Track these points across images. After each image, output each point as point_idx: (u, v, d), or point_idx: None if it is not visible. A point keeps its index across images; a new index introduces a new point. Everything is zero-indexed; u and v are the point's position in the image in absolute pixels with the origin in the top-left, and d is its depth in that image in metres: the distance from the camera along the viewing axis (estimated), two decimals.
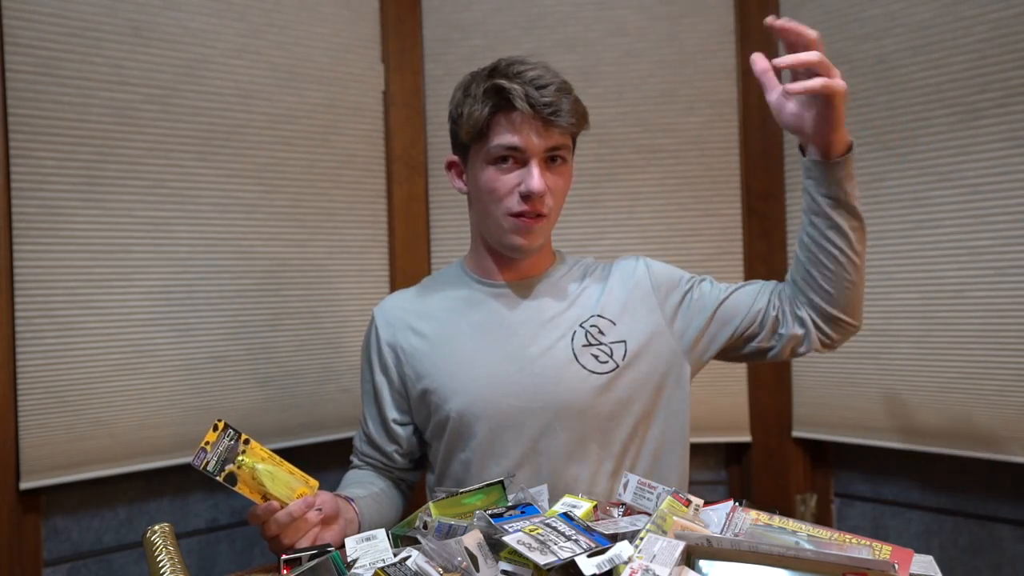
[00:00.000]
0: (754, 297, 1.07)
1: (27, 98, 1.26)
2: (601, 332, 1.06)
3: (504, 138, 0.98)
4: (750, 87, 1.64)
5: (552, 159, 1.01)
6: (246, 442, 0.85)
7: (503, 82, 0.97)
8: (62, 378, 1.29)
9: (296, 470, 0.89)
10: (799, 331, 1.04)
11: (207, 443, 0.82)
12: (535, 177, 0.98)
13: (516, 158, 0.99)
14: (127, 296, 1.35)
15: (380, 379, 1.13)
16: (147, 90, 1.37)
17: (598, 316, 1.07)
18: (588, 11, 1.65)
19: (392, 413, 1.13)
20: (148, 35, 1.37)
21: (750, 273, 1.65)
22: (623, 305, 1.08)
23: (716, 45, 1.64)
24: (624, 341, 1.06)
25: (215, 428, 0.83)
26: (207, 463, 0.81)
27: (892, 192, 1.48)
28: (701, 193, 1.65)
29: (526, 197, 0.99)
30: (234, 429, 0.84)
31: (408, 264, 1.67)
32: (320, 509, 0.89)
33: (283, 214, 1.53)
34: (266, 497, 0.85)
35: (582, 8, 1.65)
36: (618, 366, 1.04)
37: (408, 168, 1.68)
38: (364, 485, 1.10)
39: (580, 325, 1.06)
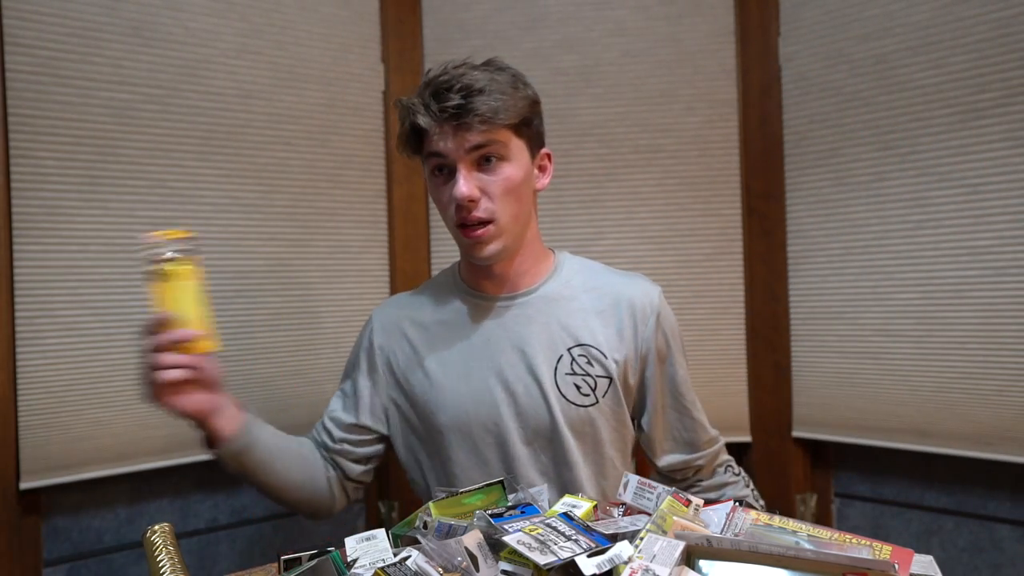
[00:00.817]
0: (668, 433, 1.11)
1: (27, 98, 1.26)
2: (589, 363, 1.04)
3: (427, 149, 0.98)
4: (750, 87, 1.64)
5: (486, 159, 0.97)
6: (193, 262, 0.80)
7: (405, 100, 0.97)
8: (62, 378, 1.29)
9: (210, 321, 0.84)
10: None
11: (167, 235, 0.77)
12: (459, 183, 0.95)
13: (446, 167, 0.97)
14: (127, 296, 1.35)
15: (364, 382, 1.12)
16: (147, 90, 1.37)
17: (590, 346, 1.04)
18: (588, 11, 1.65)
19: (365, 418, 1.12)
20: (148, 35, 1.37)
21: (750, 273, 1.65)
22: (620, 340, 1.05)
23: (716, 45, 1.64)
24: (610, 378, 1.04)
25: (185, 233, 0.78)
26: (155, 252, 0.77)
27: (892, 192, 1.48)
28: (701, 193, 1.65)
29: (458, 205, 0.96)
30: (194, 244, 0.79)
31: (408, 264, 1.67)
32: (196, 368, 0.88)
33: (283, 214, 1.53)
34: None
35: (582, 8, 1.65)
36: (597, 401, 1.04)
37: (408, 168, 1.68)
38: (286, 435, 1.09)
39: (568, 350, 1.04)
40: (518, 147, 0.99)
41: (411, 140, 1.01)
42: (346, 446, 1.12)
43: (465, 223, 0.97)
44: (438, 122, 0.94)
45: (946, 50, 1.40)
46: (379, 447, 1.15)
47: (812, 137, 1.59)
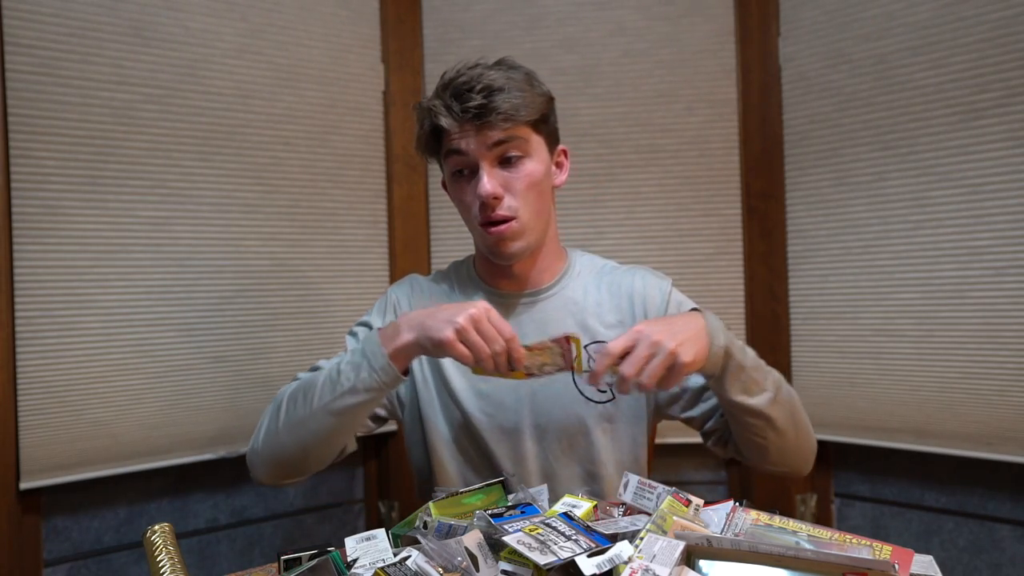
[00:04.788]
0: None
1: (27, 98, 1.26)
2: None
3: (447, 148, 0.98)
4: (750, 87, 1.64)
5: (507, 157, 0.97)
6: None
7: (424, 102, 0.99)
8: (62, 378, 1.29)
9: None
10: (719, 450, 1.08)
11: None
12: (482, 181, 0.95)
13: (467, 164, 0.98)
14: (127, 296, 1.35)
15: None
16: (147, 90, 1.37)
17: (605, 343, 1.02)
18: (588, 11, 1.65)
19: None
20: (149, 35, 1.37)
21: (750, 273, 1.65)
22: None
23: (716, 45, 1.64)
24: None
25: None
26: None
27: (893, 192, 1.48)
28: (701, 193, 1.65)
29: (482, 203, 0.96)
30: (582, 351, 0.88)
31: (408, 264, 1.67)
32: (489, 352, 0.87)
33: (283, 214, 1.53)
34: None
35: (582, 8, 1.65)
36: (614, 397, 1.03)
37: (408, 168, 1.68)
38: None
39: (585, 348, 1.03)
40: (538, 143, 1.00)
41: (430, 142, 1.02)
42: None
43: (490, 221, 0.97)
44: (459, 122, 0.95)
45: (946, 50, 1.40)
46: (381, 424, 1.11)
47: (812, 137, 1.59)
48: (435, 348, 0.86)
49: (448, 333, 0.84)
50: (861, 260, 1.52)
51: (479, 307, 0.86)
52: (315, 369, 1.06)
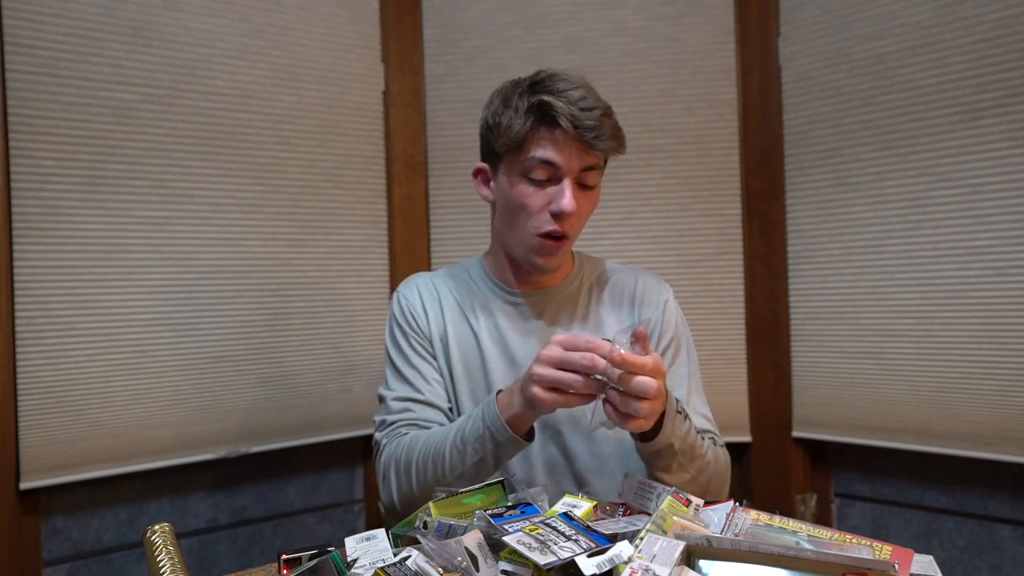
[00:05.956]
0: None
1: (27, 98, 1.26)
2: None
3: (542, 152, 0.96)
4: (750, 87, 1.64)
5: (584, 183, 1.00)
6: None
7: (548, 98, 0.95)
8: (62, 378, 1.29)
9: None
10: None
11: None
12: (567, 196, 0.96)
13: (550, 174, 0.98)
14: (127, 296, 1.35)
15: (425, 347, 1.08)
16: (147, 90, 1.37)
17: (608, 340, 1.06)
18: (588, 11, 1.65)
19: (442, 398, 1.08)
20: (148, 35, 1.37)
21: (750, 273, 1.65)
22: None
23: (716, 45, 1.64)
24: None
25: None
26: None
27: (893, 192, 1.48)
28: (701, 193, 1.65)
29: (557, 216, 0.97)
30: None
31: (408, 264, 1.67)
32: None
33: (283, 214, 1.53)
34: None
35: (582, 8, 1.65)
36: None
37: (408, 168, 1.68)
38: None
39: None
40: (600, 180, 1.03)
41: (523, 138, 0.97)
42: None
43: (553, 235, 0.99)
44: (574, 133, 0.95)
45: (946, 50, 1.40)
46: None
47: (812, 137, 1.59)
48: (535, 408, 0.85)
49: (535, 389, 0.83)
50: (861, 260, 1.52)
51: (550, 347, 0.83)
52: (381, 400, 1.07)
